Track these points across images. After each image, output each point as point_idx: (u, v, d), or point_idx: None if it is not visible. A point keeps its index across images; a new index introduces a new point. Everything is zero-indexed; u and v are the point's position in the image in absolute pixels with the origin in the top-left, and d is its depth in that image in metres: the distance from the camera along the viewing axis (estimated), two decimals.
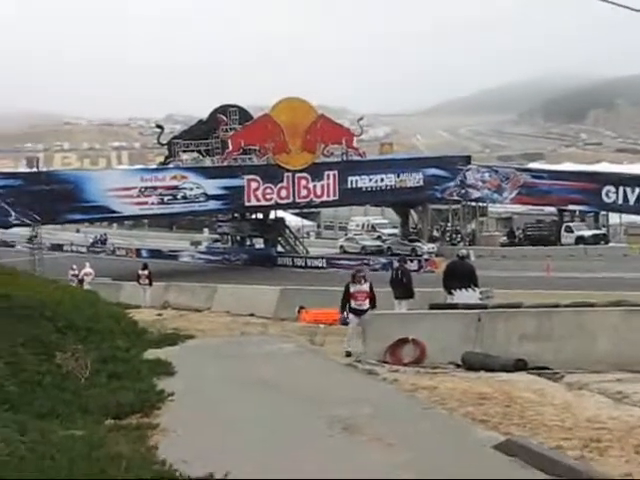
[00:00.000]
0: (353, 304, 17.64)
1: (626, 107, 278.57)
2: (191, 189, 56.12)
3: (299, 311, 25.85)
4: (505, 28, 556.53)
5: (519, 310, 16.30)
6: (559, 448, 8.69)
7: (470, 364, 14.43)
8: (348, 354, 16.64)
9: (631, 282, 35.94)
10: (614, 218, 66.28)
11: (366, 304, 17.60)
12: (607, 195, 62.46)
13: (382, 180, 63.75)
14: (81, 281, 40.23)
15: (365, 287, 17.83)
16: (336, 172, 61.32)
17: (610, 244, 62.72)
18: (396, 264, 24.91)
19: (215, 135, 59.58)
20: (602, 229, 65.36)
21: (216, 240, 73.69)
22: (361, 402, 11.53)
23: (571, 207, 66.28)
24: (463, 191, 66.39)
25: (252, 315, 26.93)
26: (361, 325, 17.15)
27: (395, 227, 71.96)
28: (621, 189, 62.05)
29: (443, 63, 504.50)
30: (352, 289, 17.73)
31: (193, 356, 16.67)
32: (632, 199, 61.81)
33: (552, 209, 67.66)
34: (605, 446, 8.76)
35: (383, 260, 54.39)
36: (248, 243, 68.33)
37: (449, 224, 70.01)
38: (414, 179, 65.14)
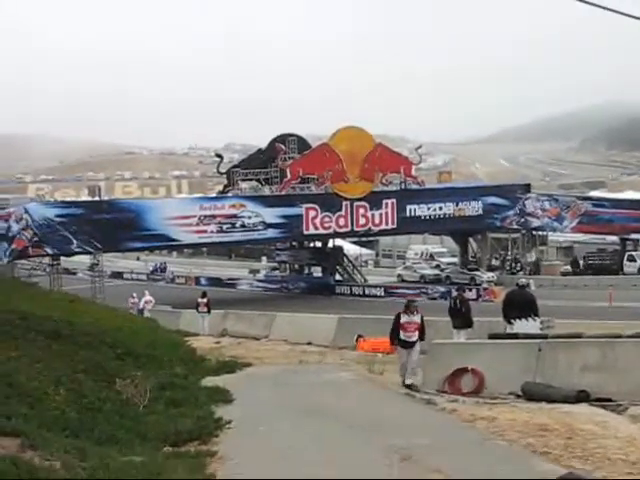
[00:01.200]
0: (402, 335, 16.75)
1: None
2: (250, 218, 56.43)
3: (357, 340, 25.76)
4: (568, 57, 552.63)
5: (581, 340, 16.03)
6: None
7: (530, 395, 14.22)
8: (408, 386, 16.19)
9: None
10: None
11: (415, 336, 16.74)
12: None
13: (441, 209, 63.41)
14: (142, 310, 40.68)
15: (417, 319, 16.90)
16: (394, 200, 61.18)
17: None
18: (455, 293, 24.73)
19: (274, 164, 59.90)
20: None
21: (274, 268, 73.89)
22: (419, 432, 11.44)
23: (633, 236, 65.26)
24: (522, 220, 65.72)
25: (310, 343, 26.90)
26: (410, 357, 16.56)
27: (454, 256, 71.49)
28: None
29: (503, 92, 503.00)
30: (403, 319, 16.83)
31: (251, 384, 16.70)
32: None
33: (614, 238, 66.73)
34: None
35: (442, 289, 53.98)
36: (306, 271, 68.35)
37: (508, 253, 69.29)
38: (473, 208, 64.65)
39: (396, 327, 16.88)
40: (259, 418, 12.86)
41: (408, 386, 16.01)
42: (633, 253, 64.09)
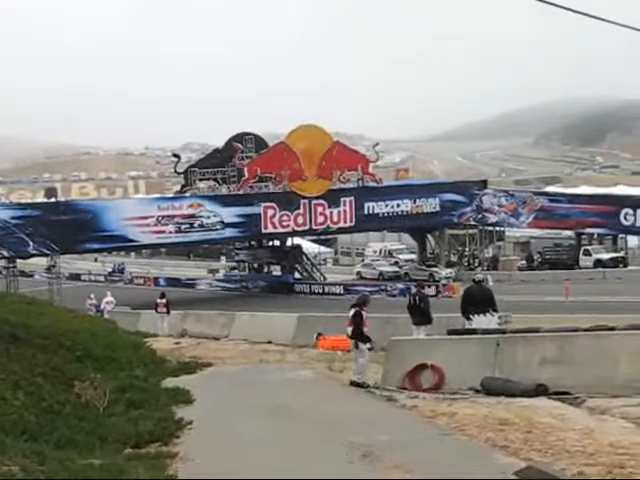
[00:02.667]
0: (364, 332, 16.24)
1: None
2: (208, 217, 56.30)
3: (317, 338, 25.77)
4: (522, 53, 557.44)
5: (538, 335, 16.15)
6: (581, 474, 8.61)
7: (489, 389, 14.33)
8: (361, 384, 15.68)
9: None
10: (632, 241, 66.15)
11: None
12: (625, 218, 62.25)
13: (398, 206, 63.71)
14: (102, 311, 40.41)
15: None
16: (352, 198, 61.37)
17: (629, 267, 62.39)
18: (414, 290, 24.83)
19: (231, 163, 59.77)
20: (620, 252, 64.98)
21: (233, 268, 73.77)
22: (380, 428, 11.48)
23: (589, 230, 66.04)
24: (480, 216, 66.21)
25: (270, 342, 26.89)
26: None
27: (412, 252, 71.86)
28: (639, 211, 61.89)
29: (459, 88, 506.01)
30: (365, 316, 16.34)
31: (211, 384, 16.65)
32: None
33: (570, 232, 67.46)
34: (629, 472, 8.67)
35: (400, 286, 54.28)
36: (265, 270, 68.33)
37: (466, 249, 69.83)
38: (430, 204, 65.05)
39: (361, 324, 16.26)
40: (220, 418, 12.84)
41: (366, 384, 15.79)
42: (588, 247, 65.01)
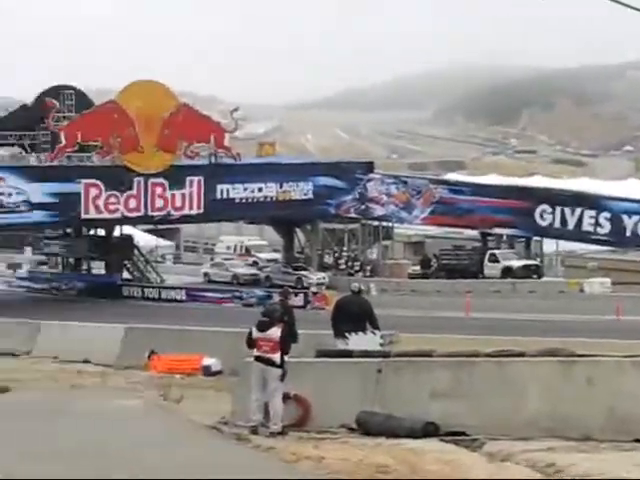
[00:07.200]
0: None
1: (566, 107, 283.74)
2: (9, 195, 55.00)
3: (149, 357, 25.62)
4: (426, 7, 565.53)
5: (430, 360, 16.39)
6: None
7: (367, 428, 14.47)
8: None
9: (568, 326, 36.88)
10: (549, 245, 67.65)
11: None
12: (541, 216, 63.69)
13: (260, 190, 63.73)
14: None
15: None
16: (202, 178, 61.05)
17: (544, 278, 63.82)
18: (276, 298, 24.91)
19: (43, 125, 58.64)
20: (535, 259, 66.51)
21: (42, 263, 72.43)
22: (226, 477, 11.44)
23: (497, 230, 67.24)
24: (363, 207, 66.77)
25: (87, 362, 26.59)
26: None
27: (276, 251, 72.05)
28: (558, 210, 63.28)
29: (343, 45, 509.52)
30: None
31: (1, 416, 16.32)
32: (571, 222, 63.15)
33: (474, 232, 68.58)
34: None
35: (260, 292, 54.40)
36: (84, 267, 67.37)
37: (345, 248, 70.30)
38: (301, 190, 65.28)
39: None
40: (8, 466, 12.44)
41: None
42: (496, 252, 66.04)
